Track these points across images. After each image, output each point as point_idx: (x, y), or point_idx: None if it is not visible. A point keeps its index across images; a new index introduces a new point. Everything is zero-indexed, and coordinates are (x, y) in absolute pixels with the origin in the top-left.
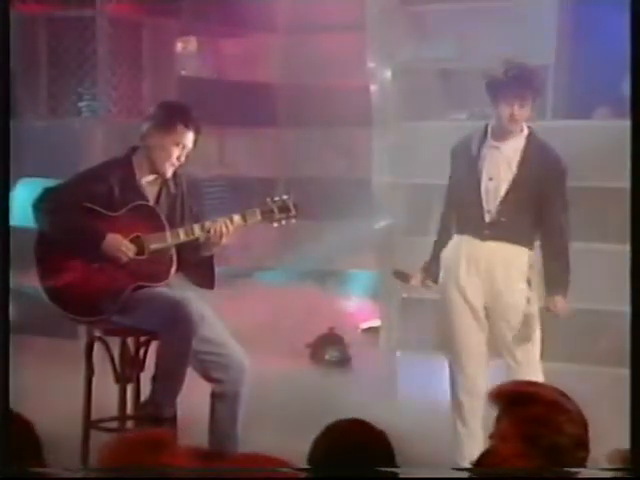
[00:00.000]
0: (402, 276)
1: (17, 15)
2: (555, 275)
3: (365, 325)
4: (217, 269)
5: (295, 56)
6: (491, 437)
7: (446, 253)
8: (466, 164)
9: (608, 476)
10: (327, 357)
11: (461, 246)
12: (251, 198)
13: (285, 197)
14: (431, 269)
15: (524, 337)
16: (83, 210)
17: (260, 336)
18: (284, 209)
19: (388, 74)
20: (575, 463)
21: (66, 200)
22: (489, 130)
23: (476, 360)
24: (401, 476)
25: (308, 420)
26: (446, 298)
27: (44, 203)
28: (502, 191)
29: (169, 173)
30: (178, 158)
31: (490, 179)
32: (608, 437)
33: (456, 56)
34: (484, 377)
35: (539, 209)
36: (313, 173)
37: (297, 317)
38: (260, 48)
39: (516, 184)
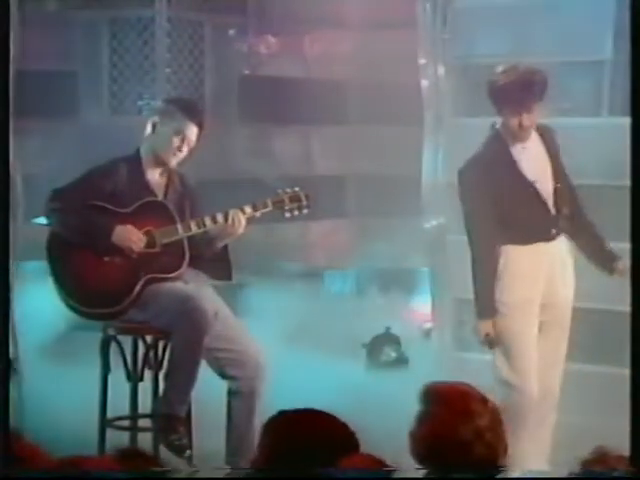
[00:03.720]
0: (490, 343)
1: (80, 16)
2: (605, 246)
3: (426, 325)
4: (290, 266)
5: (363, 53)
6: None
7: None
8: (503, 175)
9: (608, 476)
10: (383, 357)
11: (522, 256)
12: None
13: (297, 189)
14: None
15: (564, 332)
16: (92, 207)
17: (317, 335)
18: (295, 199)
19: (441, 70)
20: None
21: (73, 198)
22: (503, 134)
23: (531, 363)
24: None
25: (364, 420)
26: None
27: (52, 203)
28: (550, 188)
29: (173, 162)
30: (179, 148)
31: (535, 181)
32: (608, 437)
33: (509, 52)
34: (535, 380)
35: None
36: (372, 171)
37: (355, 316)
38: (328, 45)
39: (555, 177)
